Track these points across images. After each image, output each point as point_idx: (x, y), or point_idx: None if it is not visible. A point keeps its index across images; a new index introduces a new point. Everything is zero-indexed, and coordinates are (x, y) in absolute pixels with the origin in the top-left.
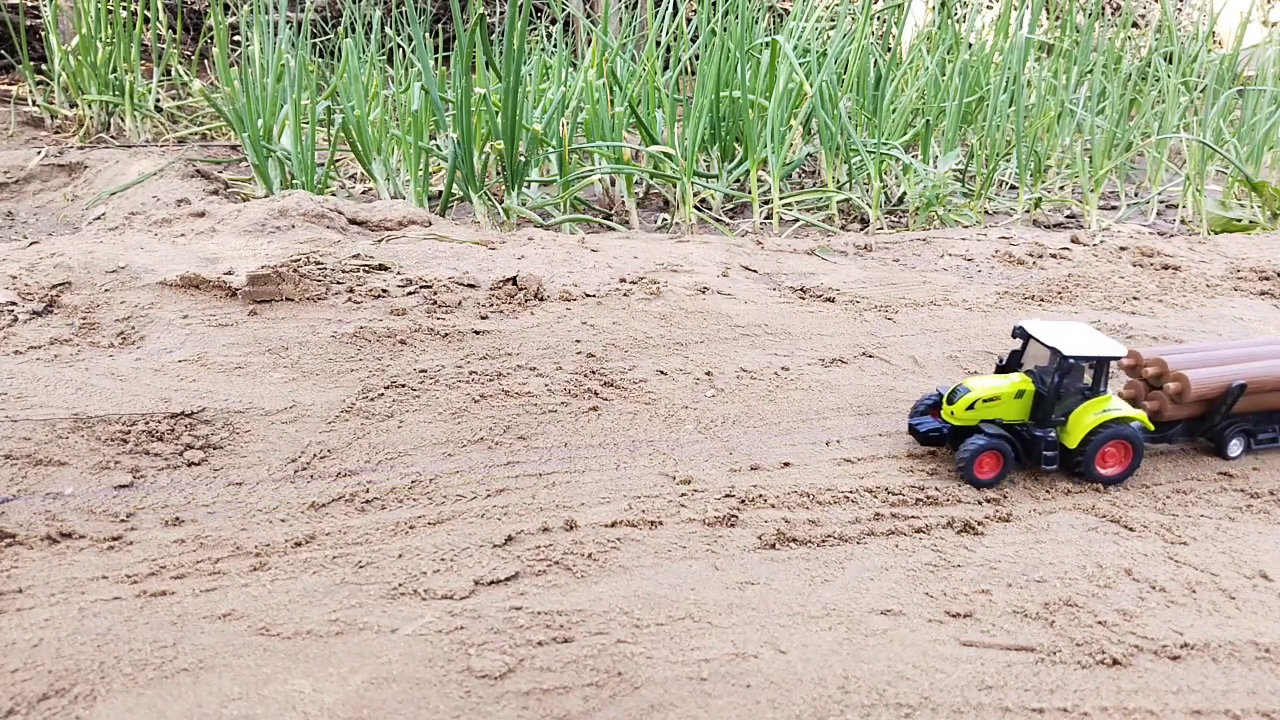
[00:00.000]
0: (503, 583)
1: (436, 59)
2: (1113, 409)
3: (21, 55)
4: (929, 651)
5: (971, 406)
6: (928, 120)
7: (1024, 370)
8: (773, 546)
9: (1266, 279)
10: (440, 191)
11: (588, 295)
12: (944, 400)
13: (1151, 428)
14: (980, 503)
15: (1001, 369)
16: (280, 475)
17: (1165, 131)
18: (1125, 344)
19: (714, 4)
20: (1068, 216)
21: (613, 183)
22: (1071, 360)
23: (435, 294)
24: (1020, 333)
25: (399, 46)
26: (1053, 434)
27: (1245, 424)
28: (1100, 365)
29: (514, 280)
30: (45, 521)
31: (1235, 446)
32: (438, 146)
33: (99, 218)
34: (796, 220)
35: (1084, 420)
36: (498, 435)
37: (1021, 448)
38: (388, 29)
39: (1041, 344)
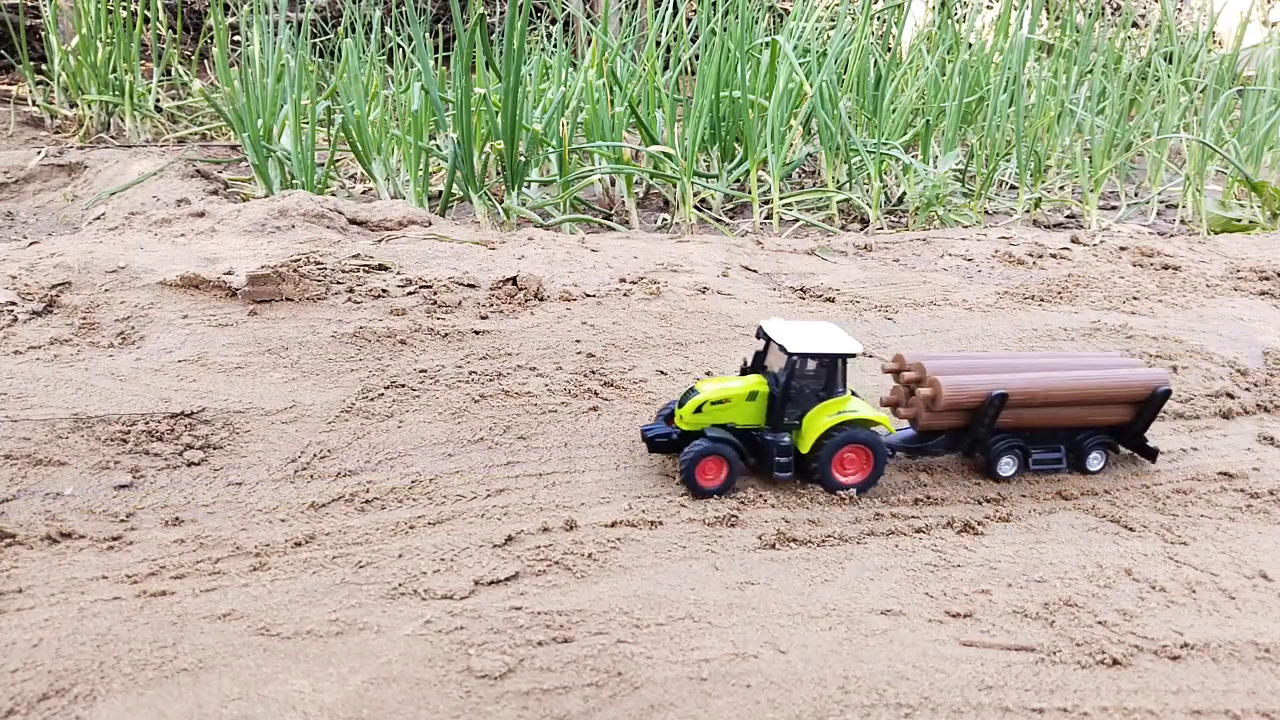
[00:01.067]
0: (503, 583)
1: (436, 59)
2: (850, 411)
3: (21, 55)
4: (929, 651)
5: (700, 410)
6: (928, 120)
7: (766, 372)
8: (773, 546)
9: (1266, 279)
10: (440, 191)
11: (588, 295)
12: (677, 404)
13: (892, 430)
14: (980, 502)
15: (747, 371)
16: (280, 475)
17: (1165, 131)
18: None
19: (714, 4)
20: (1068, 216)
21: (613, 183)
22: (797, 358)
23: (435, 294)
24: (761, 332)
25: (399, 46)
26: (786, 439)
27: (1017, 441)
28: (833, 364)
29: (514, 280)
30: (45, 521)
31: (1007, 465)
32: (438, 146)
33: (99, 218)
34: (796, 220)
35: (818, 423)
36: (498, 435)
37: (754, 453)
38: (388, 29)
39: (773, 342)
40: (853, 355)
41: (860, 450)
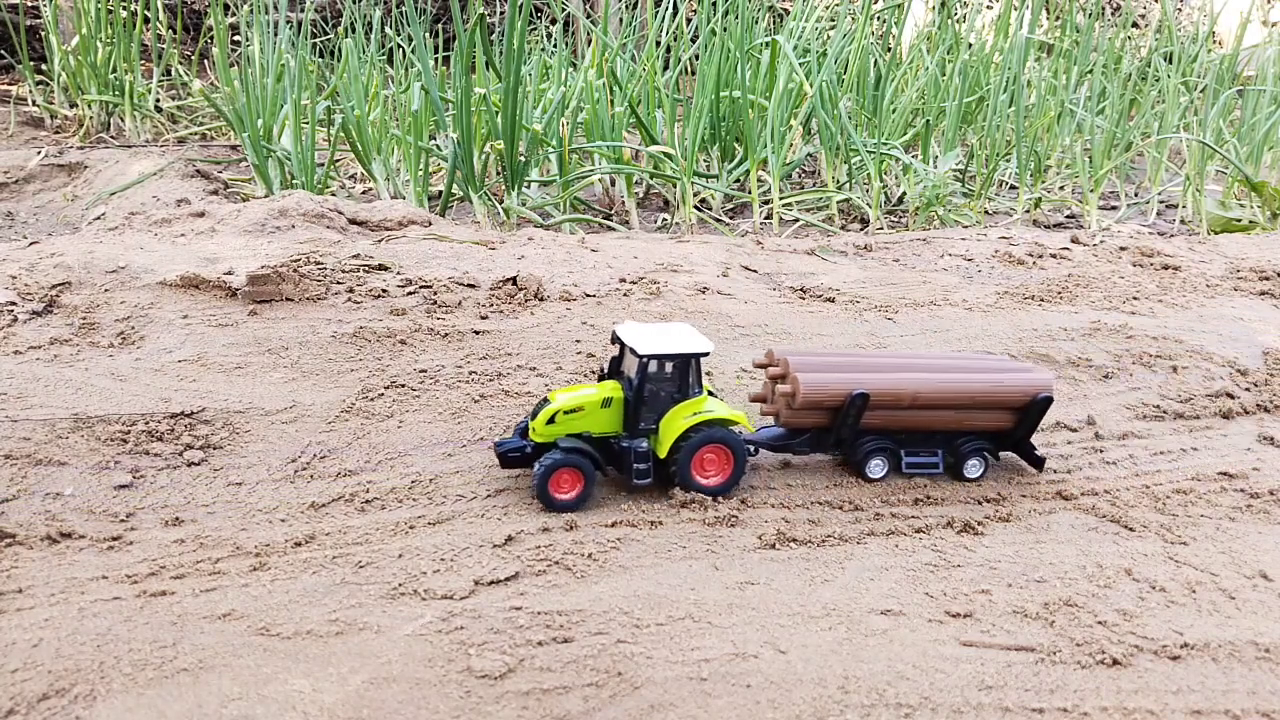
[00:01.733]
0: (503, 583)
1: (436, 59)
2: (706, 411)
3: (21, 55)
4: (929, 651)
5: (552, 420)
6: (928, 120)
7: (622, 378)
8: (773, 546)
9: (1266, 279)
10: (440, 191)
11: (588, 295)
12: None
13: (751, 429)
14: (980, 502)
15: (604, 377)
16: (280, 475)
17: (1165, 131)
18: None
19: (714, 4)
20: (1068, 216)
21: (613, 183)
22: (647, 359)
23: (435, 294)
24: (615, 337)
25: (399, 46)
26: (644, 444)
27: (888, 443)
28: (685, 365)
29: (514, 280)
30: (45, 521)
31: (877, 467)
32: (438, 146)
33: (99, 218)
34: (796, 220)
35: (674, 426)
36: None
37: (612, 461)
38: (388, 29)
39: (625, 346)
40: (704, 354)
41: (719, 450)
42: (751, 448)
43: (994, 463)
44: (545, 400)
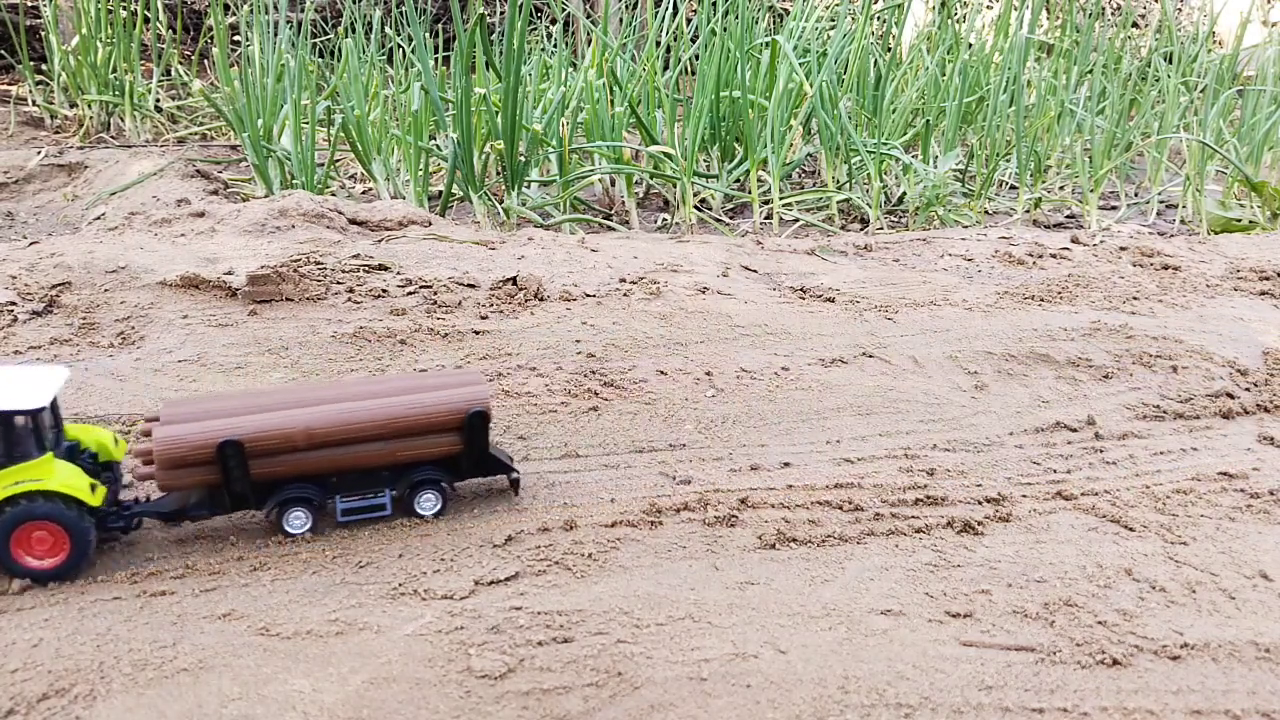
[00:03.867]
0: (503, 583)
1: (436, 59)
2: (33, 481)
3: (21, 55)
4: (929, 651)
5: None
6: (928, 120)
7: None
8: (773, 546)
9: (1266, 279)
10: (440, 191)
11: (588, 295)
12: None
13: (95, 502)
14: (980, 502)
15: None
16: None
17: (1165, 131)
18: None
19: (714, 4)
20: (1068, 216)
21: (613, 183)
22: None
23: (435, 294)
24: None
25: (399, 46)
26: None
27: (308, 491)
28: (6, 423)
29: (514, 280)
30: None
31: (298, 521)
32: (438, 146)
33: (99, 218)
34: (796, 220)
35: None
36: (498, 435)
37: None
38: (388, 29)
39: None
40: (20, 412)
41: (51, 528)
42: (133, 520)
43: (451, 494)
44: None
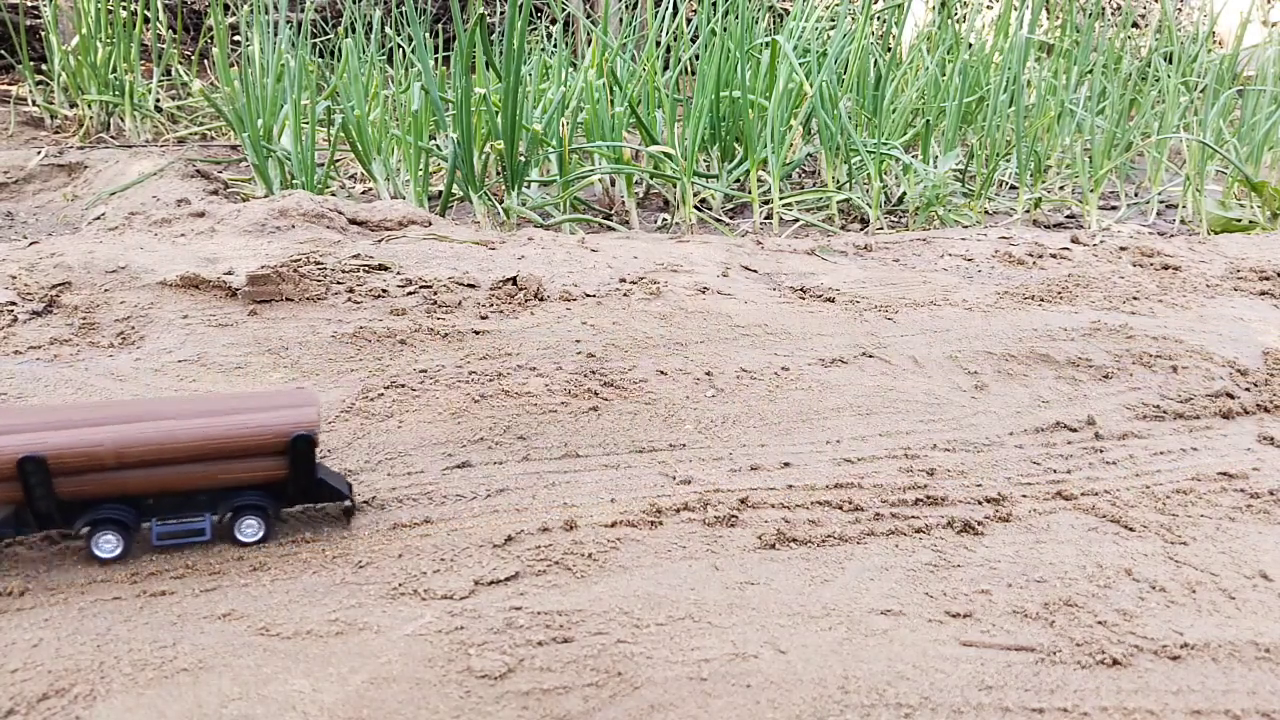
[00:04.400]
0: (503, 583)
1: (436, 59)
2: None
3: (21, 55)
4: (929, 651)
5: None
6: (928, 120)
7: None
8: (773, 546)
9: (1266, 279)
10: (440, 191)
11: (588, 295)
12: None
13: None
14: (980, 502)
15: None
16: None
17: (1165, 131)
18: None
19: (714, 4)
20: (1068, 216)
21: (613, 183)
22: None
23: (435, 294)
24: None
25: (399, 46)
26: None
27: (121, 513)
28: None
29: (514, 280)
30: None
31: (108, 545)
32: (438, 146)
33: (99, 218)
34: (796, 220)
35: None
36: (498, 435)
37: None
38: (388, 29)
39: None
40: None
41: None
42: None
43: (278, 521)
44: None
